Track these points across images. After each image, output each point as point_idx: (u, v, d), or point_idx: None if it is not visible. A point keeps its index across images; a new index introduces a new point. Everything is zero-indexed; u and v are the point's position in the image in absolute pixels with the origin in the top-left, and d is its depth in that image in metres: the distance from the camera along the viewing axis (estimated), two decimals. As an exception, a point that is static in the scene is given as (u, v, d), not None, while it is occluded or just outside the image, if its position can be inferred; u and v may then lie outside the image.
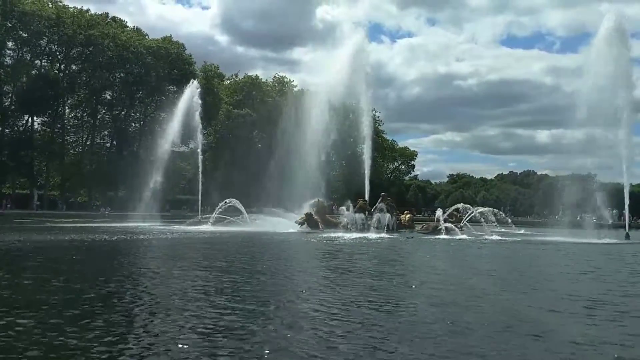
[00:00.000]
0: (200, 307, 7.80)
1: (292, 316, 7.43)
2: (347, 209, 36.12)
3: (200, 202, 48.79)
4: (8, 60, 59.84)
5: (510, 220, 37.72)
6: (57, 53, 62.69)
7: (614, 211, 53.26)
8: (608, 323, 7.54)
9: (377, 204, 36.77)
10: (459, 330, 6.80)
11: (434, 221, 35.74)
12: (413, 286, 10.18)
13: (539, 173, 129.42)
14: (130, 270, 12.78)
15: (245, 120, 69.71)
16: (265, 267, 13.61)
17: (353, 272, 13.15)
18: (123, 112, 68.39)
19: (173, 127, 49.26)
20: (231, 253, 18.01)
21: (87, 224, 35.57)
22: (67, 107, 65.08)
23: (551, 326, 7.23)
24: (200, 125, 49.59)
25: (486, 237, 30.10)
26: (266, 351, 5.70)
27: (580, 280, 12.98)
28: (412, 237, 29.13)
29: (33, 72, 60.31)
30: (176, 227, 34.01)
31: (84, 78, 64.27)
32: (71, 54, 62.03)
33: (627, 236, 31.98)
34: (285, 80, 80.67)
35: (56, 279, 10.59)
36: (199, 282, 10.56)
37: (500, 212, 39.29)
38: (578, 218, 36.70)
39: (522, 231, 38.40)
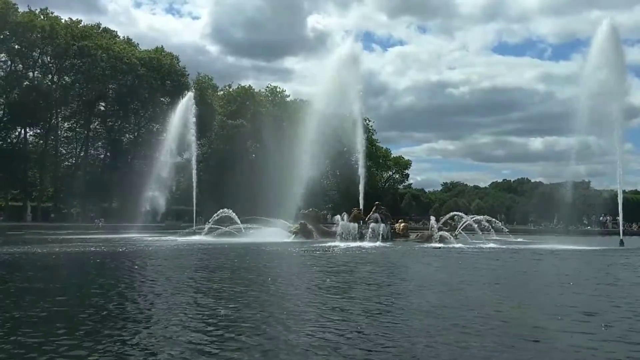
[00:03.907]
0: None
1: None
2: (342, 218, 36.03)
3: (194, 212, 48.69)
4: (0, 72, 59.69)
5: (505, 229, 37.61)
6: (50, 64, 62.56)
7: (608, 217, 53.38)
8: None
9: (371, 213, 36.73)
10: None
11: (428, 230, 35.74)
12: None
13: (533, 180, 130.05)
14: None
15: (239, 130, 69.69)
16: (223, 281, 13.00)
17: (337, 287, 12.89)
18: (117, 124, 68.27)
19: (167, 139, 49.30)
20: (200, 266, 17.20)
21: (77, 236, 35.17)
22: (60, 119, 64.83)
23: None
24: (195, 137, 49.66)
25: (482, 245, 30.07)
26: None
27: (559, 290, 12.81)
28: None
29: (25, 83, 60.17)
30: (166, 238, 33.76)
31: (77, 89, 64.13)
32: (64, 65, 61.88)
33: (621, 243, 32.07)
34: (278, 90, 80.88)
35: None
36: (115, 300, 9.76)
37: (495, 220, 39.26)
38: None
39: (519, 239, 38.35)
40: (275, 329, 7.38)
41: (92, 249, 23.01)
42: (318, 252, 23.36)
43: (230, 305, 9.16)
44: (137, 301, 9.73)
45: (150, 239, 33.21)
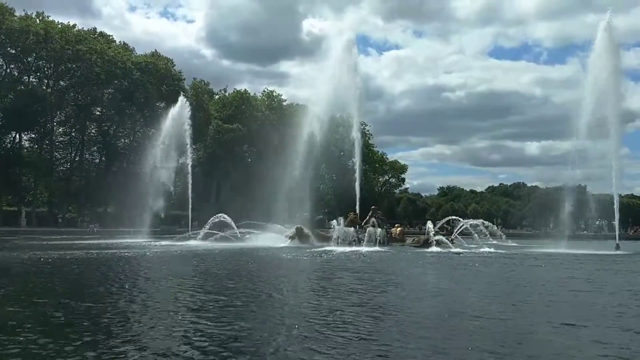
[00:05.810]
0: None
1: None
2: (338, 223, 35.91)
3: (190, 217, 48.44)
4: (-5, 77, 59.43)
5: (503, 235, 37.61)
6: (46, 69, 62.32)
7: (604, 222, 53.41)
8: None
9: (367, 217, 36.66)
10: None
11: (424, 234, 35.67)
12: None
13: (529, 185, 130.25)
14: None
15: (235, 134, 69.53)
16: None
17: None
18: (112, 128, 67.99)
19: (163, 143, 49.07)
20: (183, 272, 16.53)
21: (69, 241, 34.69)
22: (55, 123, 64.54)
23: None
24: (190, 141, 49.44)
25: (478, 249, 29.99)
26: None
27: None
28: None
29: (21, 88, 59.89)
30: (161, 243, 33.51)
31: (72, 94, 63.87)
32: (59, 70, 61.64)
33: (617, 247, 32.08)
34: (274, 94, 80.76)
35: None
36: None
37: (492, 225, 39.21)
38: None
39: (515, 243, 38.31)
40: (231, 341, 7.05)
41: (81, 254, 22.58)
42: (306, 257, 23.11)
43: (187, 316, 8.73)
44: (91, 312, 9.03)
45: (144, 244, 32.98)
